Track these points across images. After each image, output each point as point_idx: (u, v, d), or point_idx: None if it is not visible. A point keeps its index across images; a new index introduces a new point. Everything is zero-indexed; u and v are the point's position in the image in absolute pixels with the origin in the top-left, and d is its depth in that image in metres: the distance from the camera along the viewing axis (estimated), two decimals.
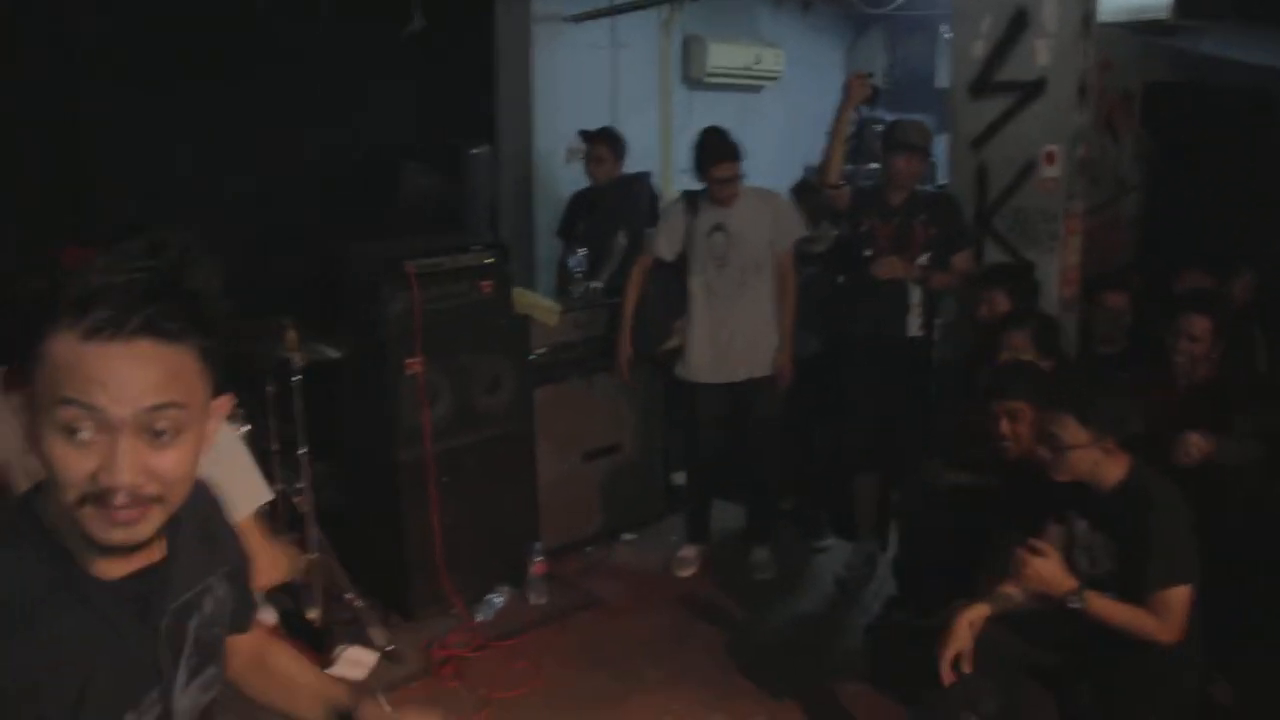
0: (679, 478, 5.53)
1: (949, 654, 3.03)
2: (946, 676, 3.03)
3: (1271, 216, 5.32)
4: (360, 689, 2.00)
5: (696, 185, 4.78)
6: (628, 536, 5.39)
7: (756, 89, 7.52)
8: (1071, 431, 3.03)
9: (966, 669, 3.03)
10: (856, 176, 4.92)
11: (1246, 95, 6.01)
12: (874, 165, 4.88)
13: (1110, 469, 3.07)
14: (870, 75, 4.69)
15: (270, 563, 2.37)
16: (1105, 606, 2.95)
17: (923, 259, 4.56)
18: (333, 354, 4.25)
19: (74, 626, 1.32)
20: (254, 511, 2.37)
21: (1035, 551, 3.02)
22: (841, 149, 4.62)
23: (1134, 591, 2.94)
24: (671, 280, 4.89)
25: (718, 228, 4.69)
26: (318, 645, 4.11)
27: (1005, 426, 3.48)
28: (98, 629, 1.34)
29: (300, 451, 4.21)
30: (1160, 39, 5.86)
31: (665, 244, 4.85)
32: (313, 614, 4.18)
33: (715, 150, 4.60)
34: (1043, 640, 3.16)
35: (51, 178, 4.54)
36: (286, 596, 4.15)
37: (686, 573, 5.02)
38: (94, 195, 4.69)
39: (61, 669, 1.31)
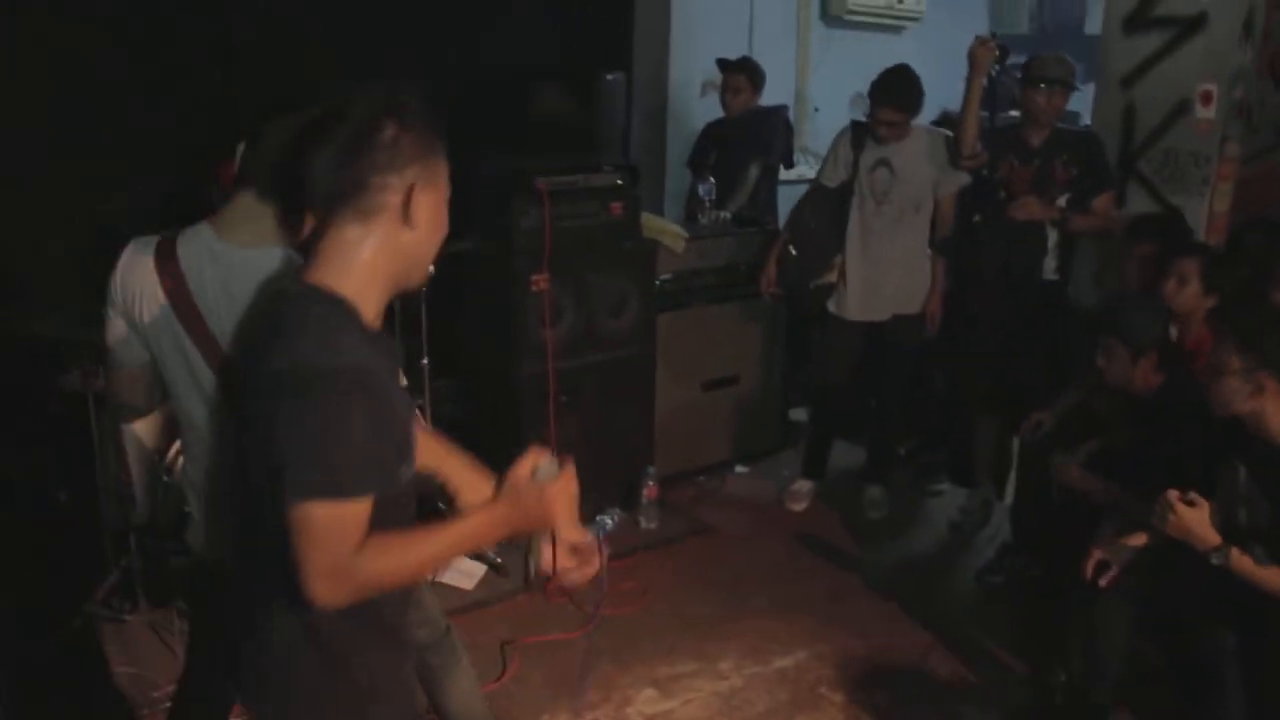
0: (796, 413, 5.49)
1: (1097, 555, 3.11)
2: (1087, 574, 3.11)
3: None
4: None
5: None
6: (741, 469, 5.38)
7: (897, 30, 7.35)
8: (1230, 359, 2.90)
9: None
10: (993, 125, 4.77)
11: None
12: (1013, 113, 4.70)
13: (1276, 417, 2.92)
14: (994, 36, 4.49)
15: None
16: (1250, 568, 2.82)
17: (1061, 200, 4.40)
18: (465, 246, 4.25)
19: (397, 390, 1.73)
20: None
21: (1186, 500, 2.89)
22: (975, 121, 4.44)
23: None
24: (834, 210, 4.79)
25: (882, 163, 4.59)
26: None
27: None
28: (402, 394, 1.77)
29: (423, 362, 4.29)
30: None
31: (829, 172, 4.78)
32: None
33: (885, 93, 4.51)
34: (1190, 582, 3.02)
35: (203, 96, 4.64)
36: None
37: (799, 506, 5.00)
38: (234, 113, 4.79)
39: (402, 423, 1.71)
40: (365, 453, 1.58)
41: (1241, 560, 2.81)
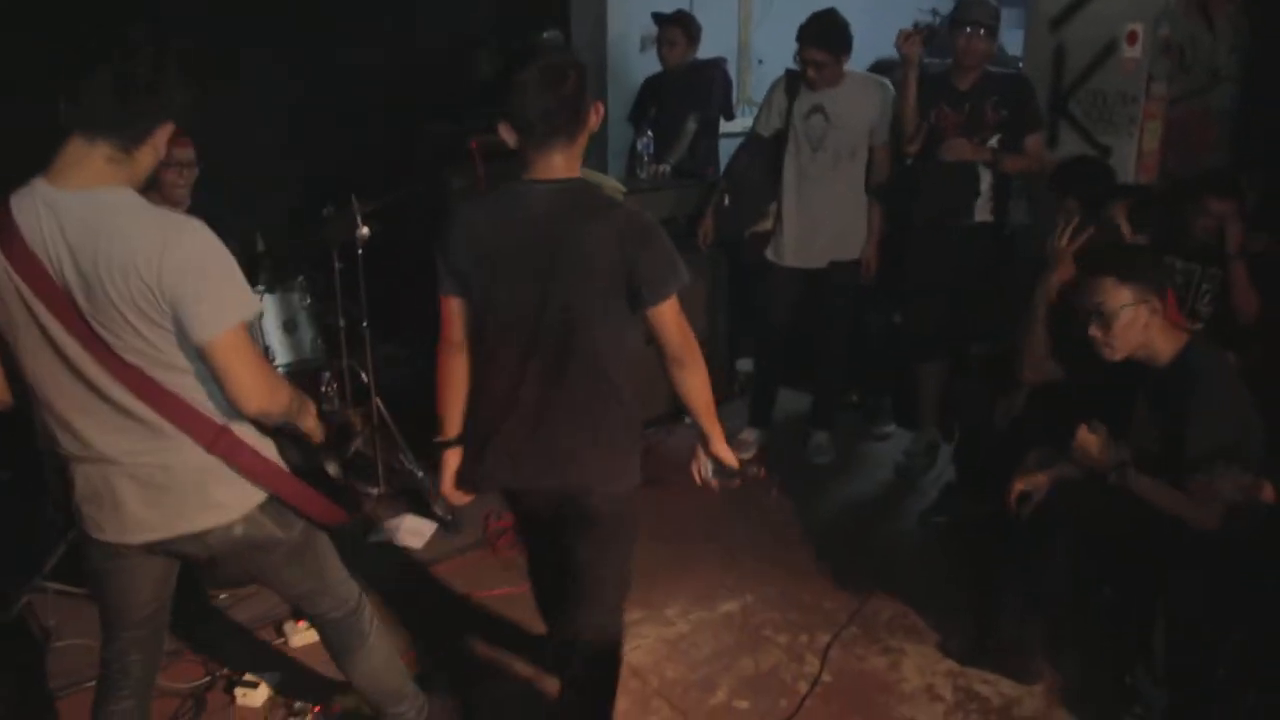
0: (743, 363, 5.55)
1: (1018, 487, 3.26)
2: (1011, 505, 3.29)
3: None
4: None
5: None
6: (689, 420, 5.39)
7: None
8: (1113, 294, 3.01)
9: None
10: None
11: None
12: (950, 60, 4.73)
13: (1163, 344, 3.03)
14: (916, 26, 4.51)
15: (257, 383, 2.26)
16: (1146, 486, 2.97)
17: (993, 141, 4.45)
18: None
19: None
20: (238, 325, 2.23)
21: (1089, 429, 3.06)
22: (913, 113, 4.50)
23: (1174, 471, 2.92)
24: (770, 159, 4.82)
25: (816, 109, 4.61)
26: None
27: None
28: None
29: (363, 325, 4.31)
30: None
31: (764, 120, 4.80)
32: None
33: (811, 34, 4.51)
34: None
35: None
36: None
37: (746, 455, 5.04)
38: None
39: None
40: None
41: (1138, 478, 2.97)
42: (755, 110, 5.06)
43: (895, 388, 5.27)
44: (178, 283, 2.11)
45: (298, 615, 3.58)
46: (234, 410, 2.27)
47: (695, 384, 2.67)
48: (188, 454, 2.28)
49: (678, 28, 5.58)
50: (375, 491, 4.47)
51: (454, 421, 2.77)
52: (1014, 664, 3.43)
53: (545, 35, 5.33)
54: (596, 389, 2.58)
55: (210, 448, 2.28)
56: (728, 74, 5.91)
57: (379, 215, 4.22)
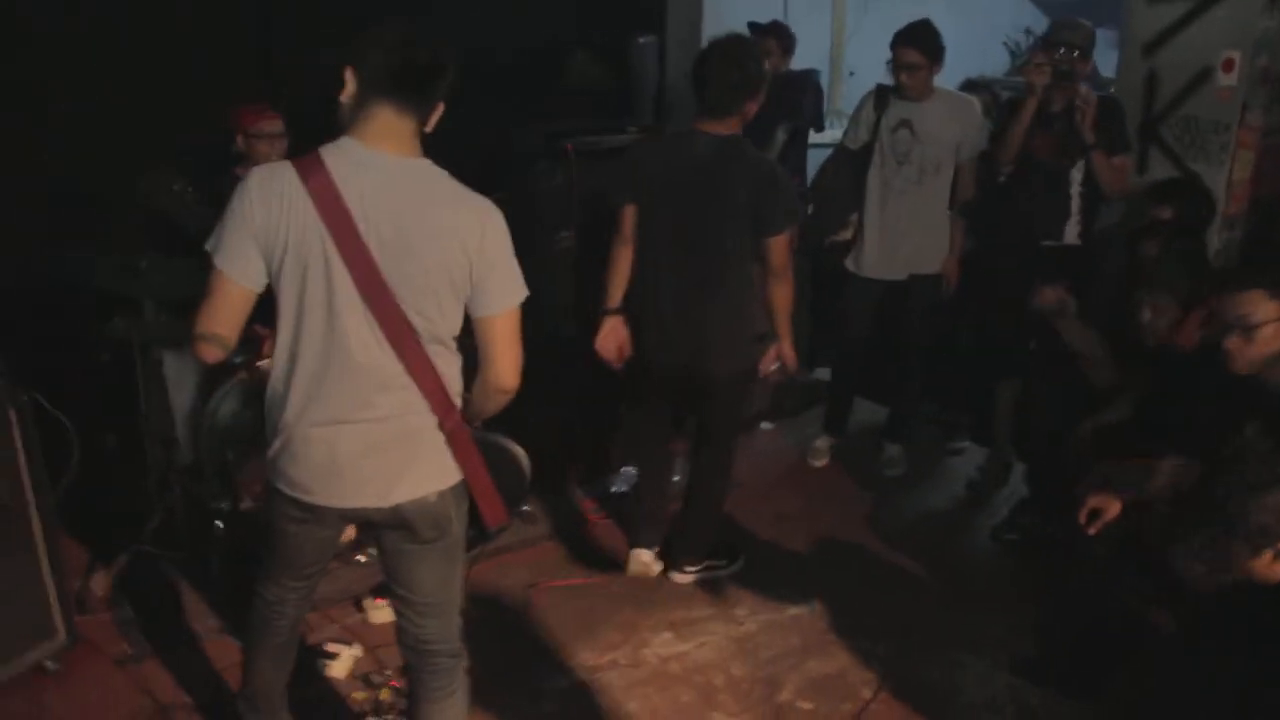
0: (821, 372, 5.60)
1: (1090, 504, 3.21)
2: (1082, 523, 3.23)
3: None
4: None
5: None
6: (766, 425, 5.50)
7: None
8: (1263, 307, 2.95)
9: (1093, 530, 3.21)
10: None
11: None
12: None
13: None
14: (1052, 57, 4.40)
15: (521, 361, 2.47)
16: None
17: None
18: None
19: None
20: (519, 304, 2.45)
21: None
22: (1019, 141, 4.51)
23: None
24: (856, 172, 4.87)
25: (904, 124, 4.66)
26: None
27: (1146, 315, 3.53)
28: None
29: None
30: None
31: (852, 134, 4.86)
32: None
33: (905, 35, 4.58)
34: None
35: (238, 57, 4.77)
36: None
37: (820, 462, 5.12)
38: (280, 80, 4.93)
39: None
40: None
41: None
42: (845, 122, 5.11)
43: (972, 404, 5.28)
44: (492, 259, 2.34)
45: (376, 593, 3.71)
46: (459, 394, 2.46)
47: (783, 294, 3.77)
48: (424, 423, 2.41)
49: (772, 38, 5.66)
50: None
51: (616, 297, 3.83)
52: (1074, 683, 3.45)
53: (641, 41, 5.43)
54: (729, 292, 3.68)
55: (443, 422, 2.41)
56: (819, 85, 5.99)
57: None
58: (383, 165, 2.28)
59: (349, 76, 2.32)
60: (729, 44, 3.59)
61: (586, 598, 3.97)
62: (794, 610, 3.93)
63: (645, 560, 4.11)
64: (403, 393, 2.37)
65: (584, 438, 4.77)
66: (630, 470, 4.74)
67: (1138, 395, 3.77)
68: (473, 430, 2.50)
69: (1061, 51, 4.37)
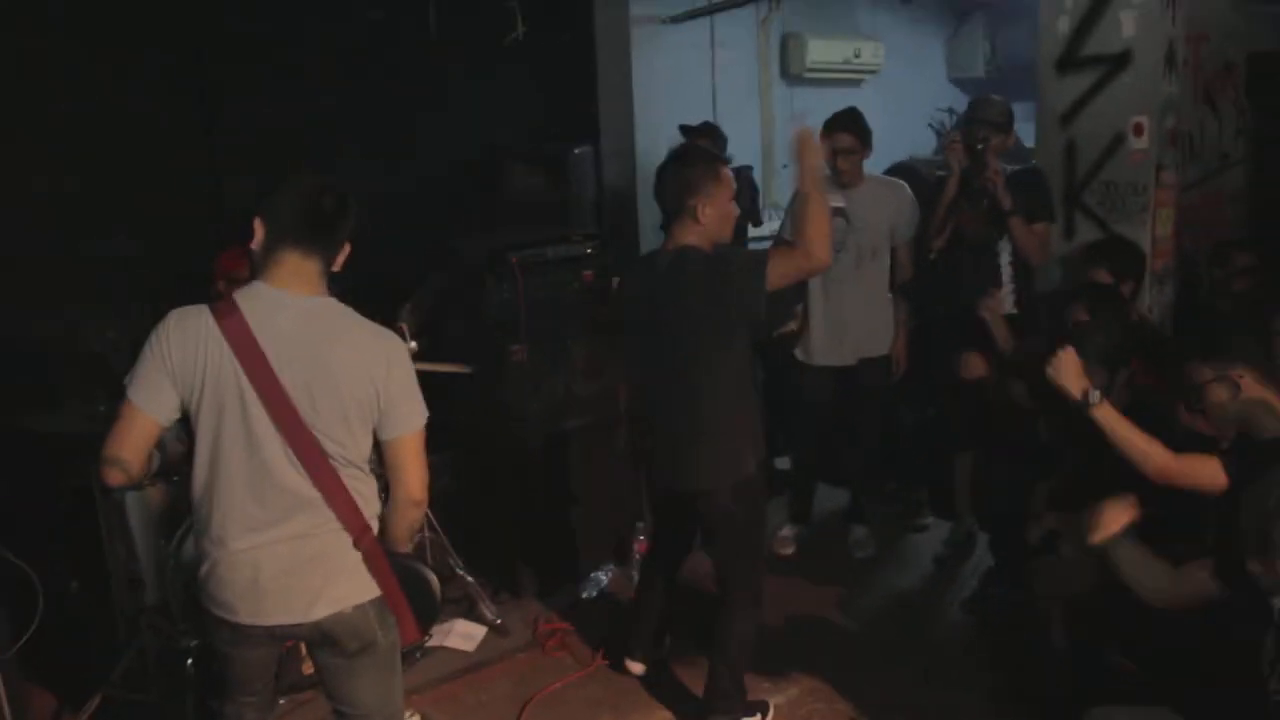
0: (780, 462, 5.65)
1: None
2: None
3: None
4: None
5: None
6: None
7: (857, 82, 7.58)
8: (1199, 371, 3.06)
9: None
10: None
11: None
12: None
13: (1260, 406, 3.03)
14: (965, 136, 4.65)
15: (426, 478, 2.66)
16: (1113, 421, 3.09)
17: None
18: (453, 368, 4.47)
19: None
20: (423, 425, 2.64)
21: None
22: (944, 215, 4.72)
23: None
24: None
25: (838, 212, 4.76)
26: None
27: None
28: None
29: None
30: (1266, 8, 5.76)
31: (789, 225, 4.95)
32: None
33: (836, 120, 4.77)
34: None
35: (181, 182, 4.86)
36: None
37: (787, 551, 5.15)
38: (221, 198, 5.01)
39: None
40: None
41: (1105, 410, 3.09)
42: (781, 213, 5.24)
43: (931, 479, 5.35)
44: (397, 387, 2.53)
45: None
46: (374, 516, 2.62)
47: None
48: (339, 544, 2.55)
49: (704, 139, 5.77)
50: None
51: None
52: None
53: (577, 151, 5.55)
54: (710, 404, 3.51)
55: (357, 541, 2.56)
56: (753, 181, 6.12)
57: (425, 329, 4.39)
58: (292, 305, 2.48)
59: (257, 225, 2.52)
60: (675, 150, 3.65)
61: (563, 704, 3.95)
62: (775, 700, 3.92)
63: (636, 671, 4.10)
64: (320, 514, 2.52)
65: (549, 544, 4.77)
66: (599, 575, 4.75)
67: (1083, 449, 3.85)
68: (388, 553, 2.65)
69: (976, 129, 4.55)
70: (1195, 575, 2.81)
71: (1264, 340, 3.20)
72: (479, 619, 4.46)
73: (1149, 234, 4.59)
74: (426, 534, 4.43)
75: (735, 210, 3.54)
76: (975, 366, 4.37)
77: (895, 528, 5.38)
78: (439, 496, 4.57)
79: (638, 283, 3.62)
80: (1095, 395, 3.11)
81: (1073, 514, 3.54)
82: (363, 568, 2.58)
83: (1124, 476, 3.19)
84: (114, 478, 2.51)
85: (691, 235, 3.44)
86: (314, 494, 2.49)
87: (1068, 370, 3.21)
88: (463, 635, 4.39)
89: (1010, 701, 3.79)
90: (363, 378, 2.48)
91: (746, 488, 3.54)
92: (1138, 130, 4.55)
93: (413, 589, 2.75)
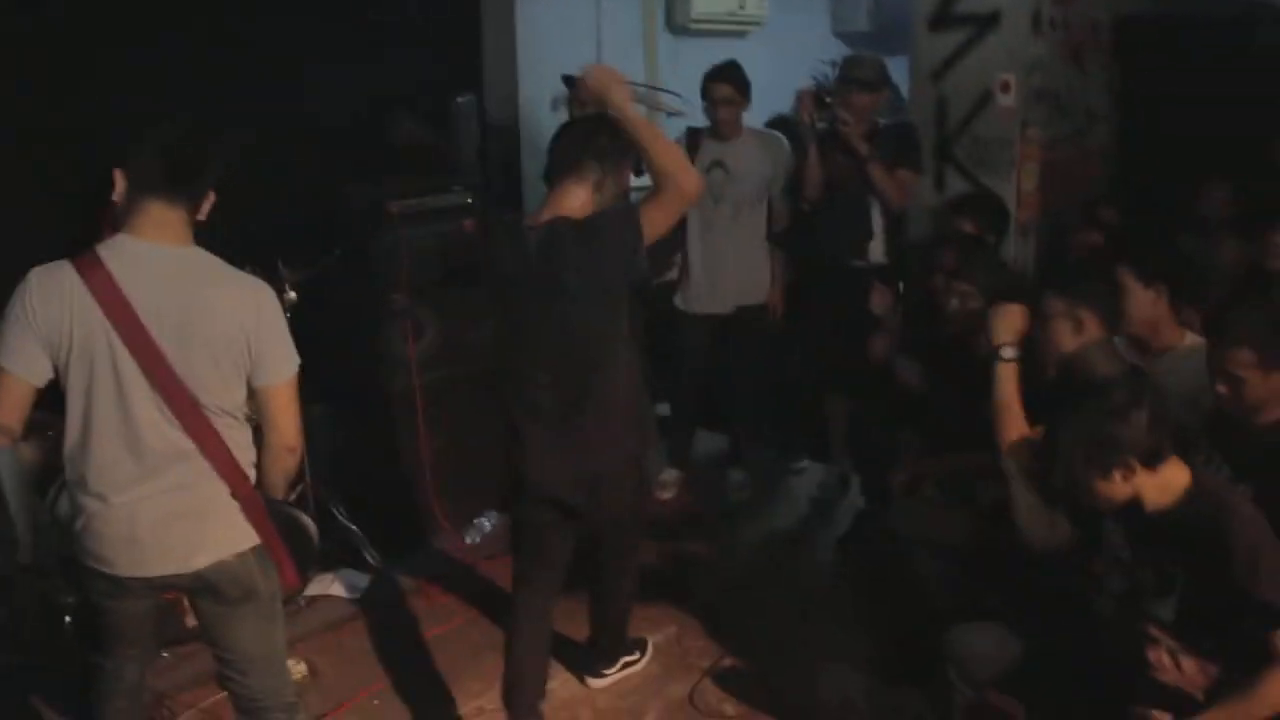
0: (660, 408, 5.75)
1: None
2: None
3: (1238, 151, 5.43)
4: None
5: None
6: None
7: (742, 34, 7.63)
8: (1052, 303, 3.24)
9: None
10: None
11: (1224, 27, 6.07)
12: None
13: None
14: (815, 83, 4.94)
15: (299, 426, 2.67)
16: (1009, 382, 3.16)
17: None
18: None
19: None
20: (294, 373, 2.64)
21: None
22: (815, 171, 4.82)
23: None
24: None
25: (717, 164, 4.87)
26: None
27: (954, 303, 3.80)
28: None
29: None
30: None
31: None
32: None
33: (715, 72, 4.84)
34: None
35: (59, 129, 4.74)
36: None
37: (667, 495, 5.26)
38: (98, 147, 4.89)
39: None
40: None
41: (1009, 370, 3.17)
42: None
43: (807, 424, 5.50)
44: (266, 335, 2.54)
45: None
46: (251, 464, 2.62)
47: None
48: (216, 493, 2.55)
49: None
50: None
51: None
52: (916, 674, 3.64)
53: (460, 100, 5.54)
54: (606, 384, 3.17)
55: (235, 490, 2.57)
56: None
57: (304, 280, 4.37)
58: (158, 256, 2.47)
59: (118, 177, 2.54)
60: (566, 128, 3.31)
61: (447, 649, 4.01)
62: (654, 638, 4.03)
63: None
64: (194, 464, 2.52)
65: (433, 490, 4.80)
66: (483, 521, 4.81)
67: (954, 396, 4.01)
68: (265, 500, 2.66)
69: (851, 88, 4.67)
70: (1060, 520, 2.96)
71: (1113, 291, 3.35)
72: (362, 567, 4.49)
73: (1014, 187, 4.76)
74: (307, 482, 4.44)
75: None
76: (879, 349, 4.50)
77: (773, 471, 5.52)
78: (322, 445, 4.66)
79: (508, 259, 3.06)
80: (1009, 352, 3.21)
81: (937, 460, 3.74)
82: (241, 516, 2.60)
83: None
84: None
85: (574, 204, 3.00)
86: (188, 445, 2.49)
87: (1010, 321, 3.26)
88: (346, 584, 4.41)
89: (879, 630, 3.95)
90: (232, 326, 2.48)
91: (638, 469, 3.33)
92: (1004, 87, 4.71)
93: (291, 536, 2.78)
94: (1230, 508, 2.51)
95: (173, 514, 2.52)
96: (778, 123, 5.70)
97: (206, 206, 2.56)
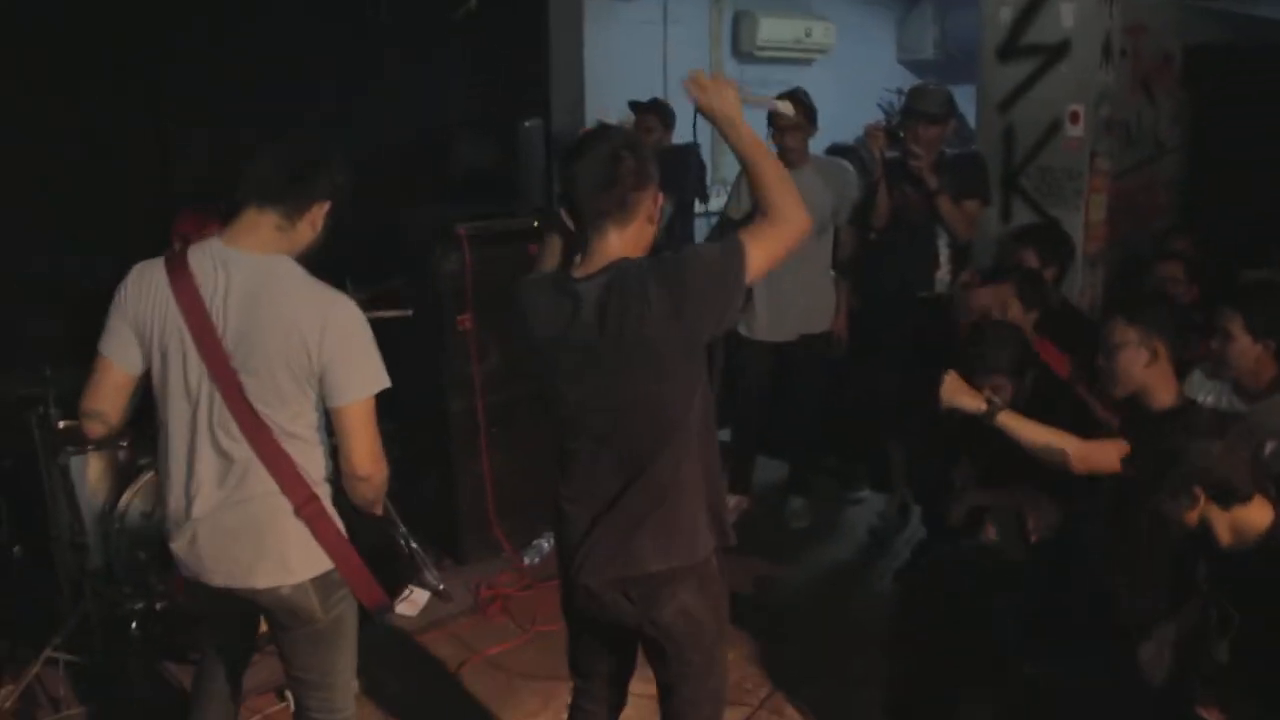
0: (722, 434, 5.75)
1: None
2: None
3: None
4: None
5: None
6: None
7: (808, 62, 7.68)
8: (1120, 331, 3.21)
9: None
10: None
11: None
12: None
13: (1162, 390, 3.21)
14: (886, 117, 4.79)
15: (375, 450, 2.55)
16: (1015, 424, 3.22)
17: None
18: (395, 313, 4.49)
19: None
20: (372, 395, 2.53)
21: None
22: (884, 200, 4.83)
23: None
24: None
25: None
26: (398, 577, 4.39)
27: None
28: None
29: None
30: (1203, 2, 5.90)
31: (734, 203, 5.08)
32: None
33: (784, 94, 4.80)
34: None
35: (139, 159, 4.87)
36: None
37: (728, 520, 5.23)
38: (176, 171, 5.02)
39: None
40: None
41: (1007, 417, 3.21)
42: (728, 189, 5.33)
43: (868, 453, 5.48)
44: (335, 349, 2.44)
45: None
46: (327, 480, 2.57)
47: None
48: (277, 510, 2.51)
49: (654, 115, 5.87)
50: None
51: None
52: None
53: (527, 124, 5.60)
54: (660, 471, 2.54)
55: (299, 509, 2.51)
56: (701, 158, 6.20)
57: (373, 301, 4.43)
58: (239, 262, 2.45)
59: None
60: (581, 153, 2.39)
61: (505, 668, 4.04)
62: None
63: None
64: (257, 478, 2.48)
65: (494, 511, 4.84)
66: (542, 543, 4.83)
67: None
68: (349, 518, 2.62)
69: (921, 123, 4.68)
70: (1108, 450, 3.00)
71: (1179, 324, 3.32)
72: (423, 585, 4.53)
73: (1083, 219, 4.73)
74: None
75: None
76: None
77: (833, 500, 5.50)
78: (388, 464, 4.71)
79: (552, 319, 2.42)
80: (996, 404, 3.21)
81: (995, 490, 3.71)
82: (307, 539, 2.52)
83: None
84: (93, 430, 2.57)
85: (622, 245, 2.37)
86: (249, 455, 2.46)
87: (954, 393, 3.34)
88: (407, 600, 4.46)
89: (936, 666, 3.91)
90: (294, 339, 2.40)
91: (707, 570, 2.59)
92: (1074, 118, 4.69)
93: (381, 554, 2.79)
94: None
95: (232, 527, 2.50)
96: (838, 150, 5.71)
97: (314, 215, 2.52)
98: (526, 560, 4.81)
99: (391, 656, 4.09)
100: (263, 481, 2.49)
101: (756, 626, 4.28)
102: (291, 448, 2.50)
